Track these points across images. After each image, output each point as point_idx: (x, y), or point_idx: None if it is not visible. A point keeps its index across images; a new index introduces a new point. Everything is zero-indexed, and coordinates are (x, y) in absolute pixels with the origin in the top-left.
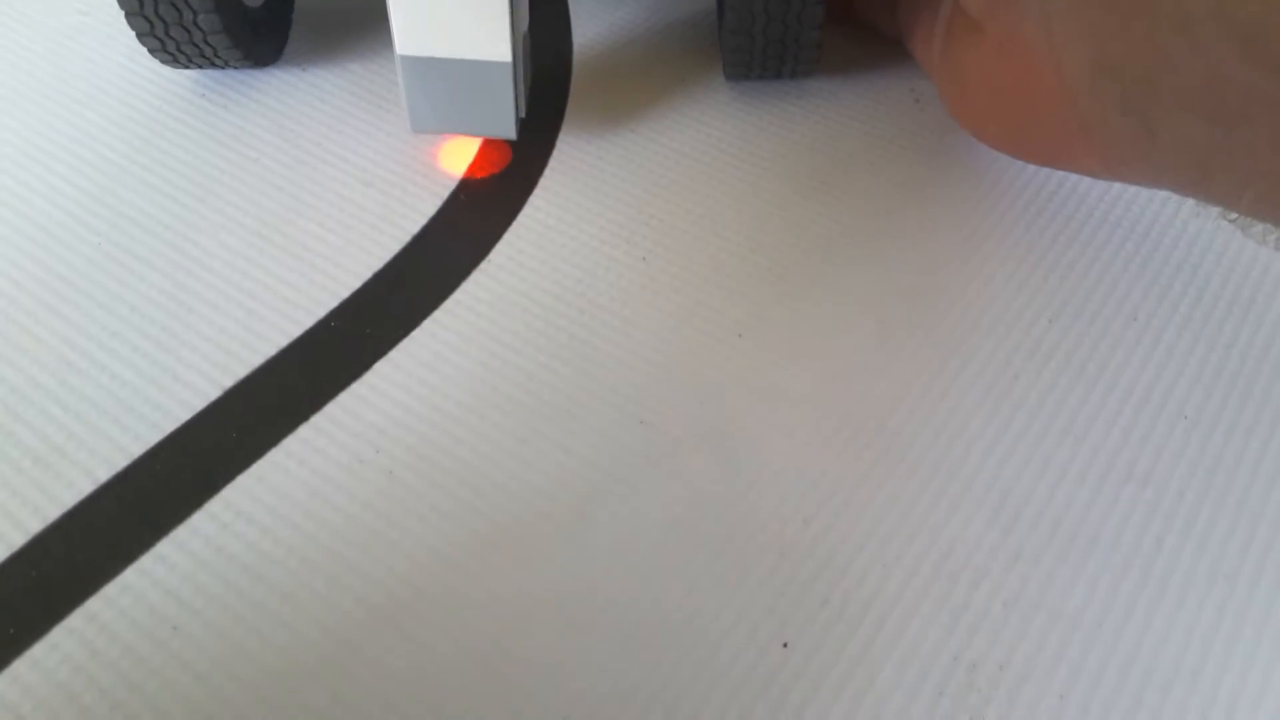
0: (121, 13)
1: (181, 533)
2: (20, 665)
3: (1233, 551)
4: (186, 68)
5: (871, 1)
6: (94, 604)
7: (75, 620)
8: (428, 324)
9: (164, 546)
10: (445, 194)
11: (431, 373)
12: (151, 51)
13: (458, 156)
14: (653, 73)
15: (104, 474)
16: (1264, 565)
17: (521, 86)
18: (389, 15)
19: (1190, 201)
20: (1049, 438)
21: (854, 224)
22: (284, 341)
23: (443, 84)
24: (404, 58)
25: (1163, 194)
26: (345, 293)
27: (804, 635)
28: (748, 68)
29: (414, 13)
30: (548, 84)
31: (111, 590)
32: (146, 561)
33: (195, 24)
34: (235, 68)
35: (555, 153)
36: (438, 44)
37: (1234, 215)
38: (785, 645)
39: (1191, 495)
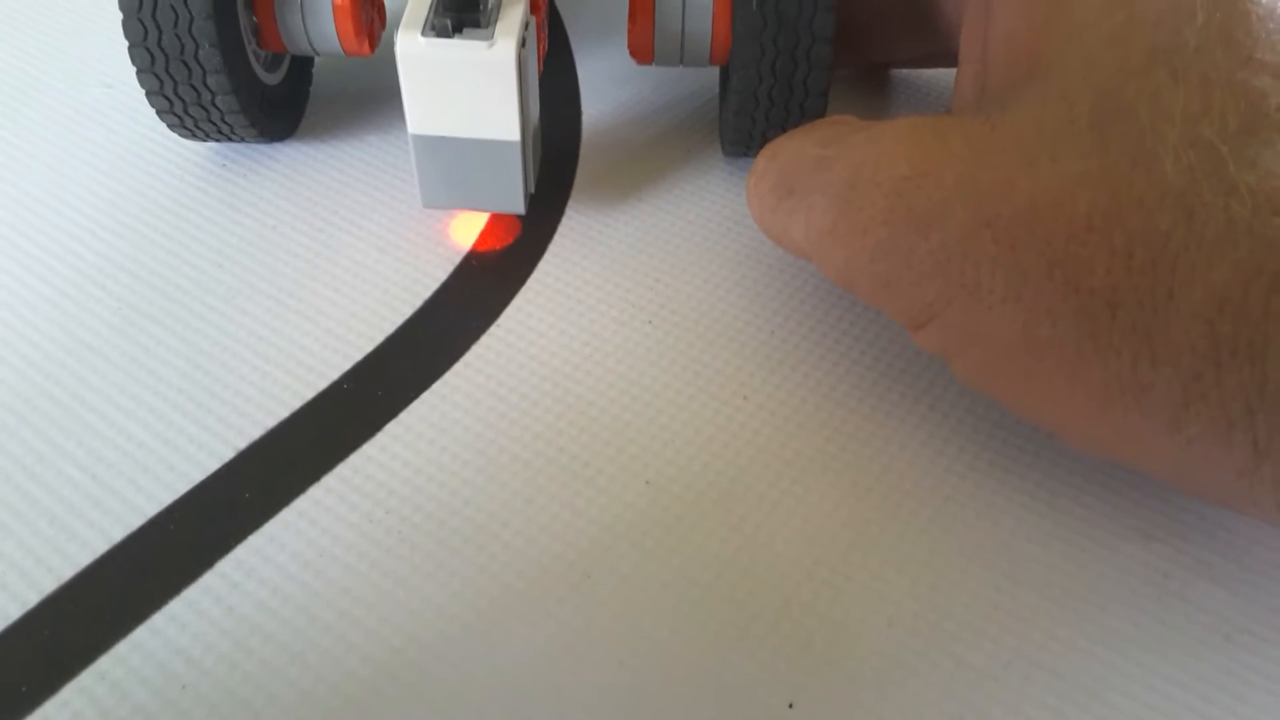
0: None
1: (193, 592)
2: None
3: (1237, 612)
4: (204, 140)
5: (893, 24)
6: (105, 662)
7: (86, 679)
8: (438, 386)
9: (175, 605)
10: (457, 261)
11: (441, 434)
12: (170, 126)
13: (469, 228)
14: (658, 147)
15: (119, 533)
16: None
17: (530, 164)
18: (402, 96)
19: None
20: (1058, 498)
21: None
22: (297, 403)
23: (453, 162)
24: (416, 136)
25: None
26: (358, 355)
27: (808, 695)
28: (747, 147)
29: (425, 94)
30: (558, 157)
31: (123, 649)
32: (158, 620)
33: (213, 104)
34: (249, 142)
35: (563, 222)
36: (448, 124)
37: None
38: (791, 706)
39: (1193, 548)
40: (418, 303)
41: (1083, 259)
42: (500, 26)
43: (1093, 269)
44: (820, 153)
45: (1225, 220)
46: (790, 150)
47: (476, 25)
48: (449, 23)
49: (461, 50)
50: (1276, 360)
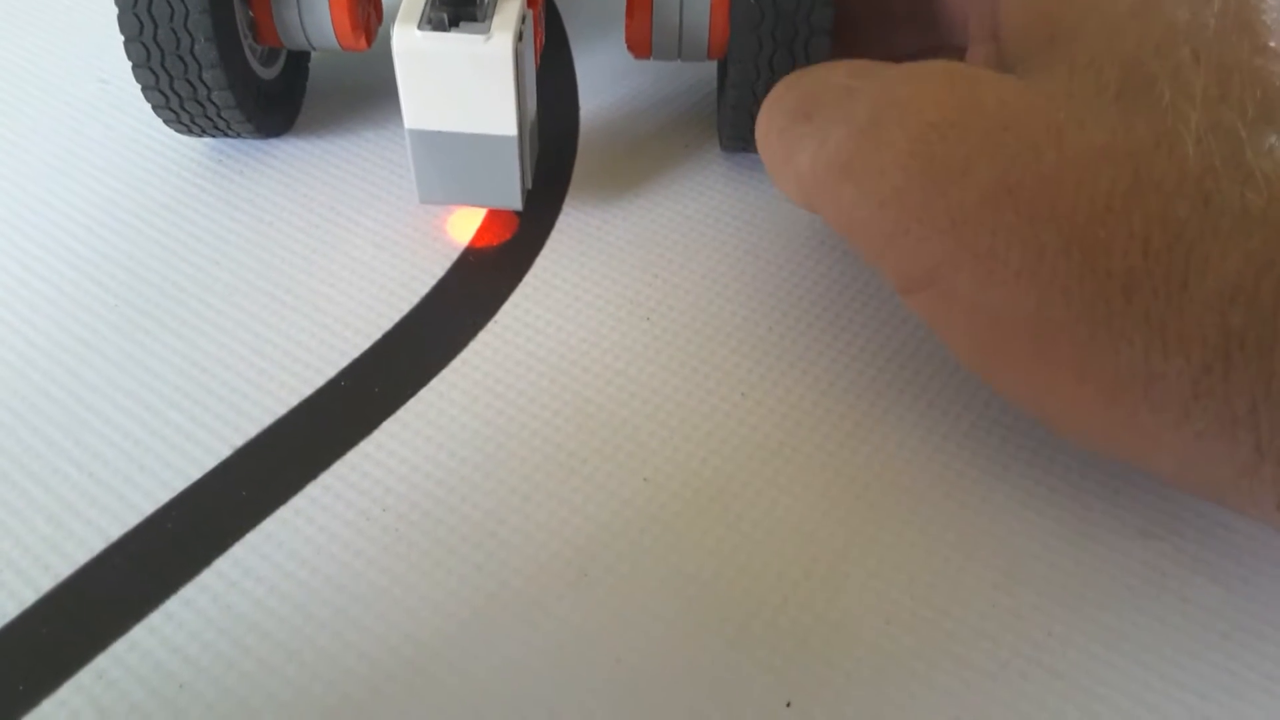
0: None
1: (190, 590)
2: None
3: (1235, 610)
4: (200, 136)
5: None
6: (102, 661)
7: (84, 677)
8: (435, 383)
9: (172, 604)
10: (454, 257)
11: (438, 431)
12: (166, 122)
13: (466, 223)
14: (656, 141)
15: (116, 531)
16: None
17: (527, 159)
18: (399, 90)
19: None
20: (1056, 496)
21: (853, 283)
22: (294, 400)
23: (450, 156)
24: (412, 131)
25: None
26: (355, 352)
27: (805, 693)
28: (746, 141)
29: (422, 89)
30: (555, 152)
31: (120, 647)
32: (155, 619)
33: (209, 99)
34: (246, 138)
35: (561, 217)
36: (445, 118)
37: None
38: (788, 704)
39: (1192, 547)
40: (415, 299)
41: (1101, 240)
42: (497, 20)
43: (1110, 251)
44: (848, 82)
45: (1241, 209)
46: (816, 76)
47: (473, 19)
48: (445, 16)
49: (458, 44)
50: None
